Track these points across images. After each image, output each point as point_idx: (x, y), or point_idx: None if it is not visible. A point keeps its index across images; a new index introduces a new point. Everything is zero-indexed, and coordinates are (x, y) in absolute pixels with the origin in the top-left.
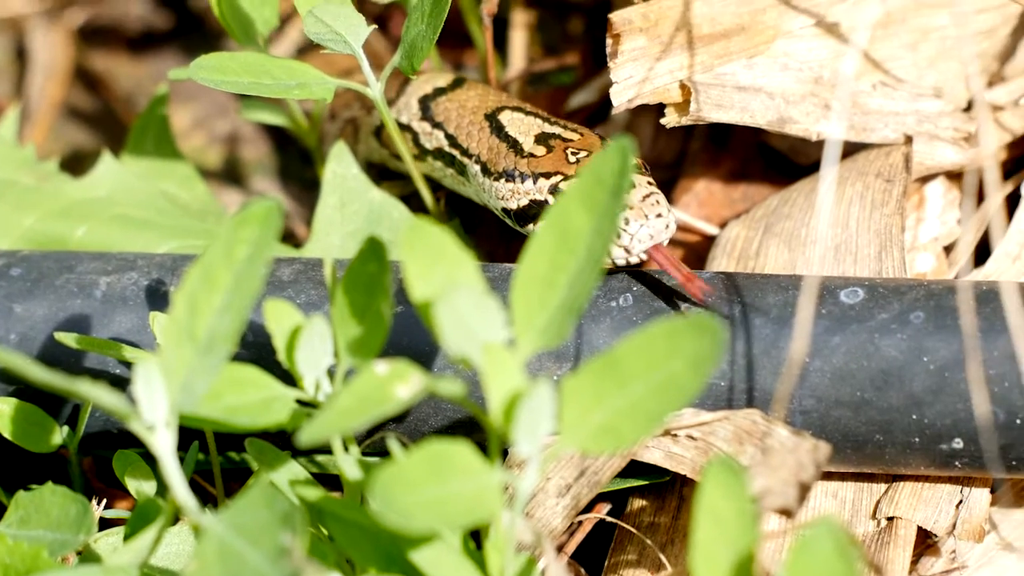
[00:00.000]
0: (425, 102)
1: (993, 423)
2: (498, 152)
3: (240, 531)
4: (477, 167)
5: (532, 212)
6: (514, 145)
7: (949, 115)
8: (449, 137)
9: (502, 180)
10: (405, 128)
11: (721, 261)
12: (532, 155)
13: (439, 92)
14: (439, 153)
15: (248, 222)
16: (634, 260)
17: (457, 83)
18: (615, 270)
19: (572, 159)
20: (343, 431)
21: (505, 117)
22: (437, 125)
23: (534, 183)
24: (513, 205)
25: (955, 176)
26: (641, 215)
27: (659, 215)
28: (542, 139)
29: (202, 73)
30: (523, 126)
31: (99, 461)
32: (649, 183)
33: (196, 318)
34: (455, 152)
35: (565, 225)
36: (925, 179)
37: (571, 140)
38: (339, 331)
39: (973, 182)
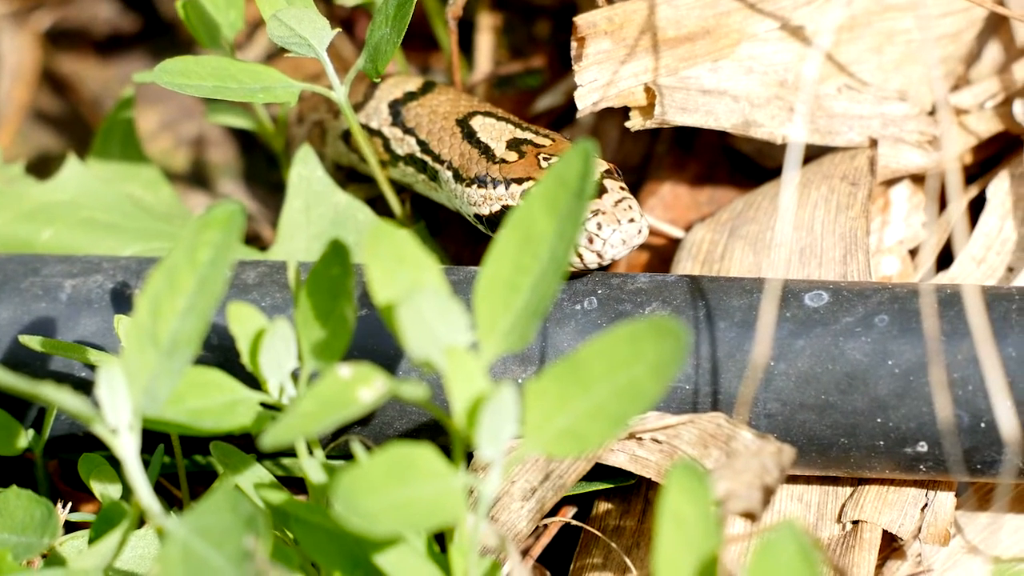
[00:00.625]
0: (395, 107)
1: (957, 426)
2: (470, 158)
3: (203, 534)
4: (449, 173)
5: (504, 218)
6: (486, 151)
7: (914, 118)
8: (421, 143)
9: (474, 186)
10: (375, 133)
11: (686, 264)
12: (504, 161)
13: (409, 97)
14: (411, 159)
15: (211, 225)
16: (606, 263)
17: (427, 87)
18: (584, 272)
19: (544, 164)
20: (306, 434)
21: (477, 122)
22: (408, 131)
23: (506, 189)
24: (485, 211)
25: (921, 179)
26: (614, 220)
27: (631, 220)
28: (514, 145)
29: (166, 77)
30: (495, 131)
31: (65, 464)
32: (622, 188)
33: (159, 321)
34: (427, 158)
35: (528, 228)
36: (890, 182)
37: (543, 146)
38: (303, 334)
39: (936, 186)
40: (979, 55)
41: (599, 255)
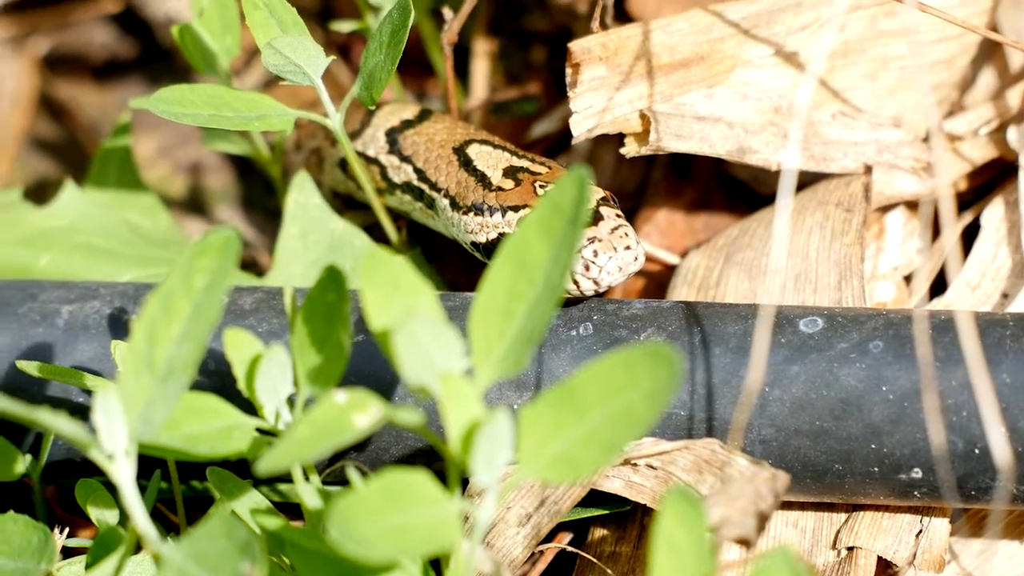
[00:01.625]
0: (392, 135)
1: (951, 453)
2: (467, 186)
3: (199, 560)
4: (446, 201)
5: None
6: (482, 179)
7: (908, 145)
8: (418, 171)
9: (471, 214)
10: (372, 161)
11: (682, 290)
12: (500, 189)
13: (406, 125)
14: (407, 187)
15: (206, 252)
16: (602, 291)
17: (424, 115)
18: (581, 299)
19: (540, 192)
20: (302, 460)
21: (473, 150)
22: (405, 159)
23: (503, 216)
24: (482, 239)
25: (915, 206)
26: (610, 247)
27: (628, 247)
28: (510, 172)
29: (162, 106)
30: (491, 159)
31: (62, 489)
32: (618, 215)
33: (155, 347)
34: (424, 186)
35: (523, 254)
36: (885, 208)
37: (539, 174)
38: (299, 360)
39: (931, 212)
40: (973, 81)
41: (595, 282)
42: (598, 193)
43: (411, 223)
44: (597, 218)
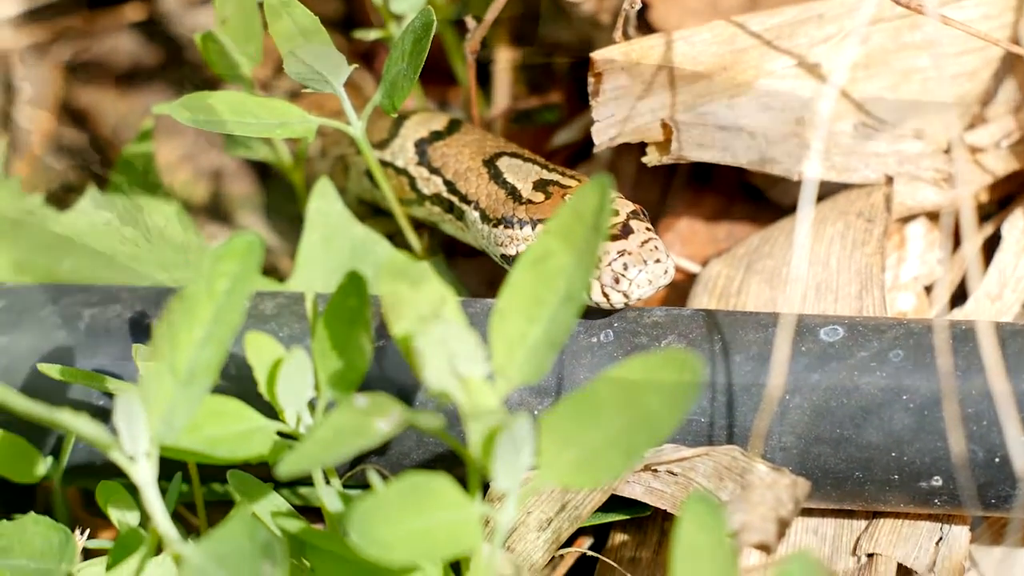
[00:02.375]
0: (421, 146)
1: (971, 461)
2: (497, 199)
3: (221, 561)
4: (476, 214)
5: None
6: (513, 192)
7: (930, 156)
8: (447, 183)
9: (501, 227)
10: (401, 172)
11: (703, 299)
12: (531, 202)
13: (436, 136)
14: (437, 199)
15: (228, 256)
16: (633, 303)
17: (453, 127)
18: (610, 311)
19: None
20: (323, 463)
21: (503, 163)
22: (435, 171)
23: (533, 230)
24: (512, 251)
25: (936, 217)
26: (640, 260)
27: (658, 260)
28: (540, 186)
29: (185, 112)
30: (521, 173)
31: (83, 491)
32: (648, 229)
33: (177, 351)
34: (454, 198)
35: (545, 261)
36: (906, 219)
37: (569, 187)
38: (320, 364)
39: (952, 223)
40: (995, 94)
41: (626, 295)
42: (628, 206)
43: (434, 231)
44: (627, 231)
